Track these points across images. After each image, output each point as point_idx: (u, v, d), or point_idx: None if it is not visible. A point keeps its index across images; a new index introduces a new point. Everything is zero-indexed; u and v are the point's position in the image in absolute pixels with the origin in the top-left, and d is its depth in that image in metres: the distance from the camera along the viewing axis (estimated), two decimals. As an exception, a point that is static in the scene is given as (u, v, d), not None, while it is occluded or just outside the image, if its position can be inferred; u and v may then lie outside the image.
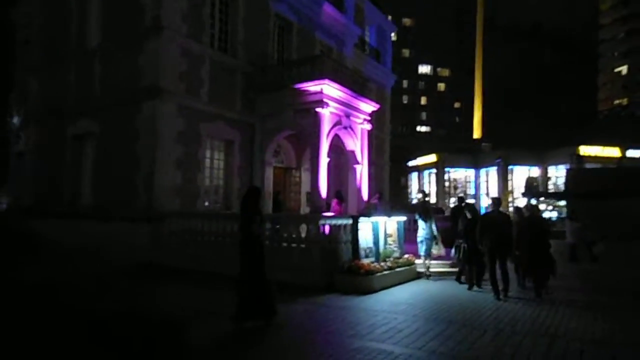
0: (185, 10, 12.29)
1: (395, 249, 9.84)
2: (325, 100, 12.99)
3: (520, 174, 44.12)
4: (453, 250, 9.75)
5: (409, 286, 8.99)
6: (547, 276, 8.45)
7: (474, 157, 49.12)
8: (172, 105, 11.84)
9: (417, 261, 9.93)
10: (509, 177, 44.48)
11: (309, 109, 13.22)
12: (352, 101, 14.31)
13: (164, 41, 11.69)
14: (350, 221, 8.87)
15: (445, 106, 78.50)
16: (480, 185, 46.65)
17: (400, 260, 9.43)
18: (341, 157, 17.38)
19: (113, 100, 12.72)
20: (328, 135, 13.39)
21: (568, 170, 31.27)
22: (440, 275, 10.16)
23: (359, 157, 15.06)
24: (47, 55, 15.12)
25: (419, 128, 77.54)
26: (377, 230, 9.16)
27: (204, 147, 12.87)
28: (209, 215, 10.92)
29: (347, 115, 14.29)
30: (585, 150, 41.63)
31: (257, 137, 14.38)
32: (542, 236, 8.55)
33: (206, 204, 13.15)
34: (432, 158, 50.22)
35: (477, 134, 76.44)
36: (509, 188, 43.85)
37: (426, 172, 51.83)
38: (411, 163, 53.82)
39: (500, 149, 46.46)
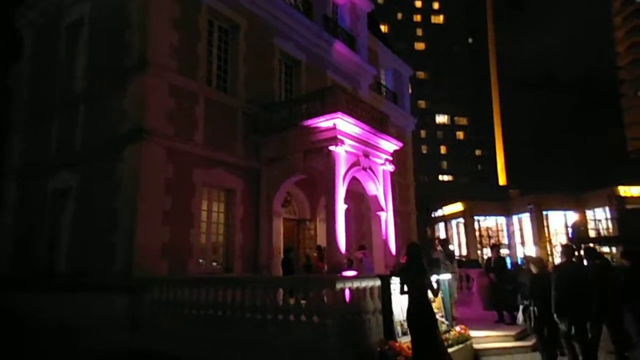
0: (176, 45, 10.86)
1: (442, 319, 7.36)
2: (339, 137, 11.08)
3: (557, 220, 40.89)
4: (520, 316, 7.28)
5: (467, 373, 6.49)
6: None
7: (504, 204, 46.18)
8: (158, 149, 10.06)
9: (474, 333, 7.40)
10: (545, 223, 41.26)
11: (321, 148, 11.30)
12: (371, 139, 12.38)
13: (149, 78, 10.14)
14: (378, 283, 6.55)
15: (466, 154, 76.50)
16: (513, 233, 43.37)
17: (451, 336, 6.94)
18: (362, 205, 15.27)
19: (94, 149, 11.07)
20: (345, 177, 11.35)
21: (623, 212, 28.25)
22: (503, 352, 7.57)
23: (382, 203, 12.87)
24: (32, 109, 13.81)
25: (441, 177, 75.10)
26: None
27: (199, 197, 10.93)
28: (205, 281, 8.62)
29: (366, 155, 12.30)
30: (625, 190, 38.53)
31: (263, 185, 12.42)
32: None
33: (201, 261, 11.01)
34: (458, 207, 47.49)
35: (502, 180, 73.63)
36: (546, 235, 40.51)
37: (454, 222, 48.91)
38: (437, 213, 51.00)
39: (530, 195, 43.56)
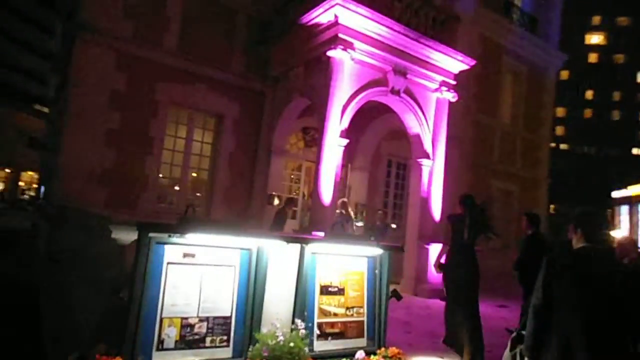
0: None
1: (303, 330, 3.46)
2: (341, 36, 7.39)
3: None
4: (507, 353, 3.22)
5: None
6: None
7: None
8: (106, 52, 8.01)
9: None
10: None
11: (320, 56, 7.81)
12: (412, 47, 8.20)
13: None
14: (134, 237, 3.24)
15: (678, 124, 58.33)
16: None
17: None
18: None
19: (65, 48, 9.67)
20: (351, 99, 7.67)
21: None
22: None
23: (427, 147, 8.71)
24: None
25: (635, 151, 59.17)
26: (262, 274, 3.19)
27: (163, 118, 8.63)
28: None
29: (401, 72, 8.22)
30: None
31: (267, 112, 9.53)
32: None
33: (171, 201, 8.86)
34: (648, 187, 36.16)
35: None
36: None
37: None
38: (618, 194, 40.08)
39: None
